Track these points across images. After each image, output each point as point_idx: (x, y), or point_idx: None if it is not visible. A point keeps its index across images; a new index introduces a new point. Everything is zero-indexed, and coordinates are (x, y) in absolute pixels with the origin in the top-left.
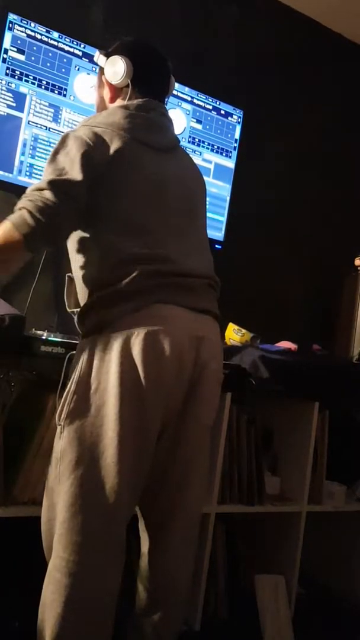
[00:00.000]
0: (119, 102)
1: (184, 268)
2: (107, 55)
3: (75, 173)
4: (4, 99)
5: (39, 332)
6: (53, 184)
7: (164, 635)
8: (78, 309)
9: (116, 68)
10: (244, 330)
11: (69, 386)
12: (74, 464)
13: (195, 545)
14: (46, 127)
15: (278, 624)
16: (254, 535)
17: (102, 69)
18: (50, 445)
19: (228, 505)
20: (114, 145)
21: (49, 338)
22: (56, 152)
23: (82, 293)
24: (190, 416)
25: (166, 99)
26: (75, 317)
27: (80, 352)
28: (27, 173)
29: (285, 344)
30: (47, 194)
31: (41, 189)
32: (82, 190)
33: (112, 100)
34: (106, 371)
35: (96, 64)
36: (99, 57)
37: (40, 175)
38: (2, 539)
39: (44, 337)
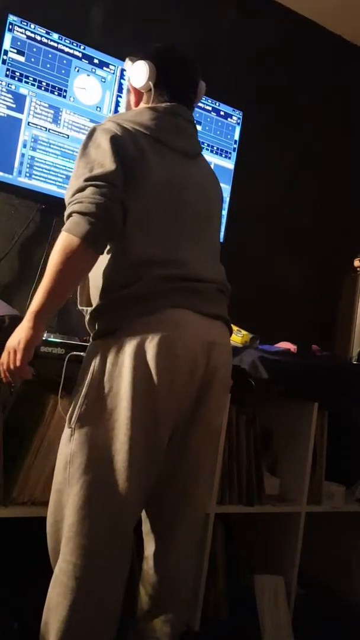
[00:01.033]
0: (143, 105)
1: (197, 273)
2: (134, 61)
3: (108, 163)
4: (3, 100)
5: None
6: (90, 179)
7: (165, 638)
8: (89, 308)
9: (139, 72)
10: (243, 331)
11: (80, 389)
12: (84, 468)
13: (196, 548)
14: (46, 128)
15: (278, 624)
16: (253, 536)
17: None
18: (50, 445)
19: (228, 505)
20: (139, 144)
21: (49, 339)
22: (85, 146)
23: (94, 292)
24: (199, 421)
25: (194, 105)
26: (86, 317)
27: (92, 355)
28: (27, 174)
29: (284, 345)
30: (88, 192)
31: (81, 190)
32: (118, 177)
33: (137, 104)
34: (119, 375)
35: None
36: (126, 63)
37: (40, 176)
38: (2, 539)
39: (43, 338)
